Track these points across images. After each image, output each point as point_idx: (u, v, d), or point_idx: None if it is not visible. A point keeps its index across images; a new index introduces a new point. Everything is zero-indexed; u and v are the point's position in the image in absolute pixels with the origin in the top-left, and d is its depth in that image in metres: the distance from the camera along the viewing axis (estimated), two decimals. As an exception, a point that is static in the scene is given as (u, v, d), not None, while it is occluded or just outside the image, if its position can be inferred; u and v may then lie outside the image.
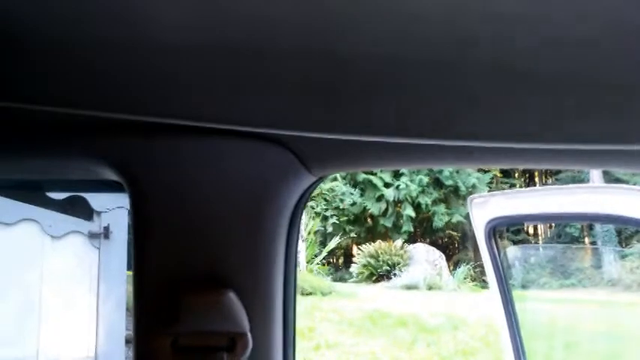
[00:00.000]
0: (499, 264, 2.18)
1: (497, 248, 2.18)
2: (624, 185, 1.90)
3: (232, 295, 0.83)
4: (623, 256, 10.70)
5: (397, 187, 15.95)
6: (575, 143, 0.79)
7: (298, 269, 10.67)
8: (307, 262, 11.71)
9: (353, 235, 16.23)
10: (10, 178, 1.31)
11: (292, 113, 0.81)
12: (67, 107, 0.81)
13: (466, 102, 0.75)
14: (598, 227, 12.42)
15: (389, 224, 16.06)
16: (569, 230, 14.36)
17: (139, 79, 0.78)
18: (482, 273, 12.94)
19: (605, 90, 0.70)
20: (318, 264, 12.40)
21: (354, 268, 13.96)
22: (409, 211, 15.94)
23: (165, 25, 0.66)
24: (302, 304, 9.41)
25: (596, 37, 0.62)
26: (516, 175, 18.07)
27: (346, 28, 0.63)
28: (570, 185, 2.35)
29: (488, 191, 16.28)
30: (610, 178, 11.04)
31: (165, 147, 0.87)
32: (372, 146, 0.84)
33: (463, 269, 13.20)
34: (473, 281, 12.88)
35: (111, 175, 0.92)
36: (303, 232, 11.35)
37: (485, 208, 2.12)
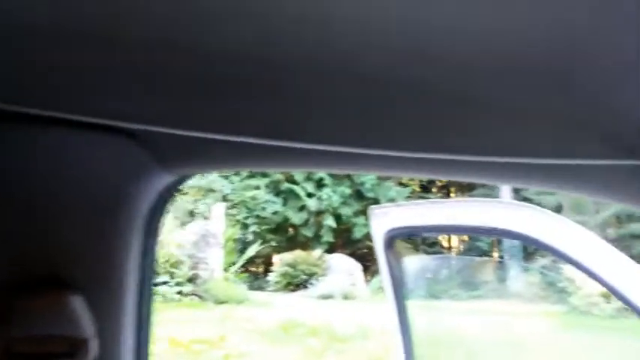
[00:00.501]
0: (396, 275, 2.23)
1: (395, 258, 2.23)
2: (518, 202, 1.99)
3: (75, 298, 0.78)
4: (526, 270, 11.25)
5: (319, 198, 16.03)
6: (423, 153, 0.80)
7: (213, 276, 10.50)
8: (224, 270, 11.53)
9: (274, 244, 16.13)
10: None
11: (148, 107, 0.76)
12: None
13: (327, 107, 0.74)
14: (506, 242, 12.98)
15: (310, 234, 16.10)
16: (480, 244, 14.94)
17: None
18: None
19: (451, 102, 0.71)
20: (235, 272, 12.23)
21: (271, 277, 13.87)
22: (330, 222, 16.05)
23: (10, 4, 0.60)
24: (215, 312, 9.23)
25: (443, 50, 0.62)
26: (434, 190, 18.61)
27: (213, 23, 0.61)
28: (466, 199, 2.43)
29: (406, 204, 16.64)
30: (519, 197, 11.58)
31: (3, 136, 0.80)
32: (235, 146, 0.81)
33: (378, 279, 13.35)
34: (387, 292, 13.04)
35: None
36: (220, 239, 11.18)
37: (384, 219, 2.16)
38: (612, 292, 1.54)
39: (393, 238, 2.18)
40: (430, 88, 0.69)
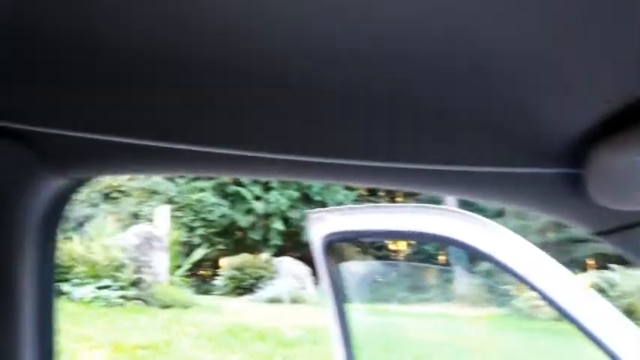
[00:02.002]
0: (335, 279, 2.22)
1: (334, 263, 2.22)
2: (450, 207, 2.01)
3: None
4: (471, 274, 11.48)
5: (267, 201, 15.97)
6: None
7: (158, 280, 10.28)
8: (169, 274, 11.30)
9: (221, 247, 15.96)
10: None
11: (35, 106, 0.71)
12: None
13: (228, 109, 0.71)
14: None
15: (258, 237, 16.02)
16: (426, 248, 15.19)
17: None
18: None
19: (373, 106, 0.69)
20: (180, 276, 12.01)
21: (219, 281, 13.72)
22: (278, 225, 16.01)
23: None
24: (160, 317, 9.03)
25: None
26: (381, 194, 18.84)
27: (108, 17, 0.57)
28: (402, 204, 2.45)
29: (355, 208, 16.80)
30: (463, 202, 11.84)
31: None
32: (129, 149, 0.76)
33: (327, 283, 13.40)
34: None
35: None
36: (165, 242, 10.95)
37: (322, 223, 2.15)
38: (544, 299, 1.56)
39: (332, 243, 2.18)
40: (354, 92, 0.67)
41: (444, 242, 2.01)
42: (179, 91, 0.68)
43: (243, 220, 15.98)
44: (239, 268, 13.35)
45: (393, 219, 2.12)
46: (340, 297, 2.31)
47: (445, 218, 1.93)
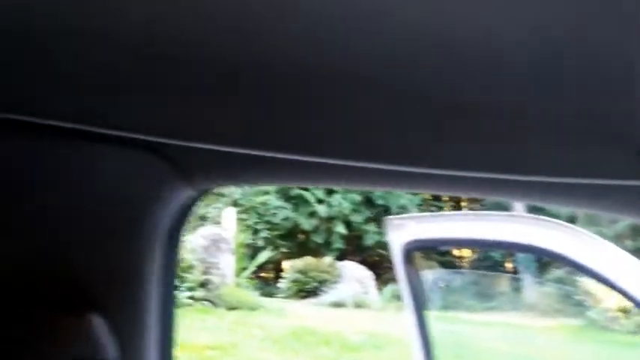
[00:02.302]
0: (415, 287, 2.19)
1: (414, 270, 2.19)
2: (538, 216, 1.95)
3: (95, 319, 0.75)
4: (541, 283, 11.11)
5: (330, 204, 16.00)
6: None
7: (225, 282, 10.48)
8: (236, 276, 11.50)
9: (284, 250, 16.11)
10: None
11: (170, 120, 0.73)
12: None
13: (349, 122, 0.71)
14: (520, 253, 12.88)
15: (320, 240, 16.06)
16: (493, 254, 14.81)
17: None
18: None
19: (467, 115, 0.67)
20: (246, 278, 12.20)
21: (282, 284, 13.83)
22: (340, 229, 16.01)
23: (21, 7, 0.56)
24: (227, 319, 9.20)
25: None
26: (445, 199, 18.53)
27: (233, 37, 0.58)
28: (487, 212, 2.39)
29: (419, 212, 16.61)
30: (531, 207, 11.46)
31: (23, 146, 0.77)
32: (256, 160, 0.78)
33: (391, 288, 13.31)
34: (400, 300, 12.96)
35: None
36: (231, 244, 11.16)
37: (402, 231, 2.13)
38: (634, 303, 1.49)
39: (412, 251, 2.15)
40: (447, 101, 0.65)
41: (533, 252, 1.96)
42: (304, 104, 0.69)
43: (306, 223, 16.07)
44: (302, 272, 13.43)
45: (474, 227, 2.08)
46: (420, 305, 2.28)
47: (530, 226, 1.87)
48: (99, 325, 0.75)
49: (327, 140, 0.75)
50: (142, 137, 0.76)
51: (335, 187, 10.62)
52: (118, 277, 0.80)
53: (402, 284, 2.26)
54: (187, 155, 0.80)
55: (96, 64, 0.65)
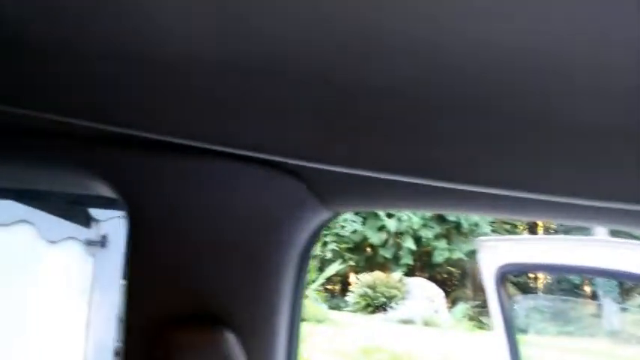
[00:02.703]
0: (507, 311, 2.12)
1: (507, 294, 2.12)
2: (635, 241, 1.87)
3: (230, 336, 0.76)
4: (624, 309, 10.54)
5: (399, 219, 15.85)
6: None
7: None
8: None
9: (352, 263, 16.08)
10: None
11: (308, 143, 0.75)
12: (68, 116, 0.74)
13: (490, 148, 0.69)
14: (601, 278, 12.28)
15: (388, 255, 15.92)
16: (570, 277, 14.19)
17: (144, 93, 0.72)
18: (481, 313, 12.76)
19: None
20: (315, 290, 12.23)
21: (350, 297, 13.79)
22: (410, 244, 15.81)
23: (176, 36, 0.60)
24: (295, 330, 9.23)
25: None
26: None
27: (372, 60, 0.58)
28: (589, 237, 2.29)
29: (491, 231, 16.19)
30: (613, 230, 10.91)
31: (167, 167, 0.81)
32: (393, 185, 0.77)
33: (462, 307, 13.02)
34: (471, 320, 12.69)
35: (106, 192, 0.86)
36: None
37: (495, 253, 2.07)
38: None
39: (505, 274, 2.08)
40: (554, 125, 0.64)
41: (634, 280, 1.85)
42: (439, 130, 0.67)
43: (375, 237, 15.97)
44: (371, 286, 13.34)
45: (569, 252, 1.99)
46: (512, 330, 2.21)
47: (629, 252, 1.79)
48: (232, 342, 0.76)
49: (467, 166, 0.72)
50: (279, 159, 0.76)
51: (475, 214, 10.48)
52: (252, 295, 0.81)
53: (493, 308, 2.19)
54: (324, 177, 0.80)
55: (237, 87, 0.67)
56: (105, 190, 0.85)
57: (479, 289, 14.81)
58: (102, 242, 5.29)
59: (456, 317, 12.50)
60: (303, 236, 0.83)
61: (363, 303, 13.26)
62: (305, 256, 0.85)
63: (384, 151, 0.73)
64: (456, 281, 17.26)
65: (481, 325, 11.63)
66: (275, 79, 0.64)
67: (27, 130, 0.82)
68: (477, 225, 16.03)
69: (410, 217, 15.78)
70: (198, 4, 0.55)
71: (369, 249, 16.54)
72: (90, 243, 5.27)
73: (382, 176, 0.76)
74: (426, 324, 11.68)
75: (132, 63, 0.66)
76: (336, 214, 0.87)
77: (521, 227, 17.24)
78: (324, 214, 0.85)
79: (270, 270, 0.80)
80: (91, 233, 5.30)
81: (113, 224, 5.31)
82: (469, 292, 15.53)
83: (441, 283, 15.35)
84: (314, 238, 0.86)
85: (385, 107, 0.65)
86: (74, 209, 5.19)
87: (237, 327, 0.77)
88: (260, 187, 0.80)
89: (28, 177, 0.95)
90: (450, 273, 17.05)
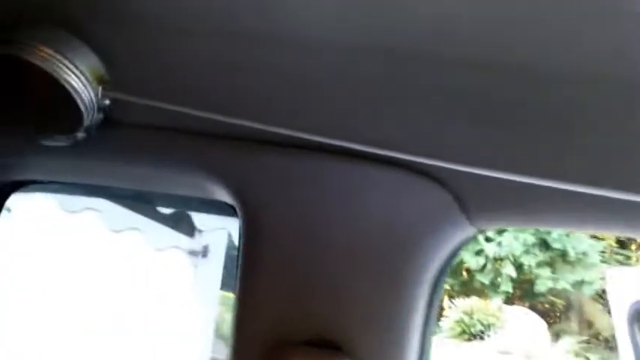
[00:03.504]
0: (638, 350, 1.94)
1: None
2: None
3: None
4: None
5: (499, 244, 15.24)
6: None
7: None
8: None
9: (446, 287, 15.65)
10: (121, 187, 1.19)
11: (456, 143, 0.66)
12: (183, 105, 0.69)
13: None
14: None
15: (486, 281, 15.33)
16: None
17: (271, 82, 0.66)
18: (588, 349, 11.97)
19: None
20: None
21: (445, 322, 13.41)
22: (509, 270, 15.13)
23: (311, 15, 0.54)
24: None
25: None
26: (632, 247, 16.73)
27: (540, 42, 0.50)
28: None
29: (601, 261, 15.19)
30: None
31: (287, 169, 0.74)
32: (558, 197, 0.65)
33: (568, 341, 12.31)
34: (577, 356, 11.94)
35: (223, 196, 0.80)
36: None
37: (628, 287, 1.88)
38: None
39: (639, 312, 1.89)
40: None
41: None
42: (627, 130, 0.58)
43: (472, 262, 15.46)
44: (468, 313, 12.94)
45: None
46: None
47: None
48: None
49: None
50: (424, 161, 0.68)
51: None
52: (380, 319, 0.72)
53: (623, 347, 1.99)
54: (472, 187, 0.70)
55: (371, 77, 0.62)
56: (220, 194, 0.80)
57: (585, 323, 13.90)
58: (203, 252, 5.44)
59: (560, 352, 11.82)
60: (442, 255, 0.74)
61: (459, 329, 12.86)
62: (440, 277, 0.75)
63: (545, 155, 0.63)
64: (559, 313, 16.34)
65: (588, 363, 10.89)
66: (418, 64, 0.57)
67: (142, 126, 0.78)
68: (585, 254, 15.09)
69: (511, 243, 15.14)
70: None
71: (465, 273, 16.03)
72: (192, 253, 5.44)
73: (551, 185, 0.64)
74: (527, 357, 11.12)
75: (253, 46, 0.61)
76: (479, 232, 0.77)
77: (635, 258, 16.05)
78: (467, 231, 0.74)
79: (403, 291, 0.71)
80: (194, 243, 5.47)
81: (214, 235, 5.45)
82: (574, 325, 14.67)
83: (543, 314, 14.59)
84: (452, 257, 0.76)
85: (559, 101, 0.56)
86: (179, 219, 5.38)
87: (360, 356, 0.69)
88: (398, 194, 0.72)
89: (142, 177, 0.91)
90: (552, 304, 16.17)
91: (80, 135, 0.74)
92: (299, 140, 0.70)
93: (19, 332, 3.98)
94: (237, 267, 0.82)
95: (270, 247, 0.74)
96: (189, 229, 5.52)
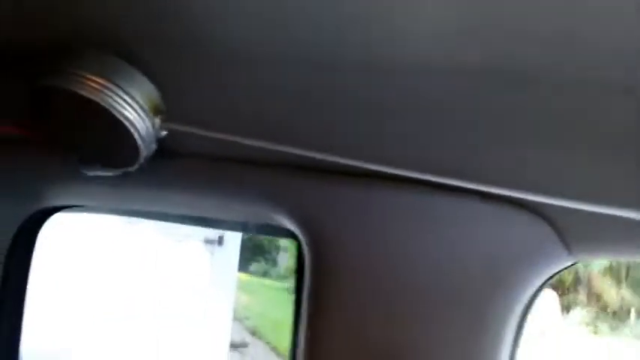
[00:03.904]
0: None
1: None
2: None
3: None
4: None
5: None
6: None
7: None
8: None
9: None
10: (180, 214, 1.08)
11: (554, 174, 0.62)
12: (247, 137, 0.65)
13: None
14: None
15: None
16: None
17: (335, 112, 0.61)
18: (597, 319, 11.68)
19: None
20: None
21: None
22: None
23: (382, 43, 0.50)
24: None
25: None
26: None
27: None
28: None
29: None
30: None
31: (363, 201, 0.69)
32: None
33: (579, 313, 12.12)
34: (587, 326, 11.73)
35: (286, 223, 0.76)
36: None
37: None
38: None
39: None
40: None
41: None
42: None
43: None
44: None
45: None
46: None
47: None
48: None
49: None
50: (519, 195, 0.64)
51: None
52: (463, 354, 0.68)
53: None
54: (573, 220, 0.66)
55: (463, 100, 0.57)
56: (282, 222, 0.76)
57: (594, 297, 13.73)
58: (219, 241, 5.57)
59: (573, 323, 11.71)
60: (536, 285, 0.69)
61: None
62: (528, 309, 0.70)
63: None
64: (568, 286, 16.16)
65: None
66: (518, 86, 0.52)
67: (199, 155, 0.75)
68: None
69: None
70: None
71: None
72: (208, 241, 5.56)
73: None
74: (542, 333, 11.03)
75: (337, 75, 0.56)
76: (576, 262, 0.71)
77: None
78: (565, 262, 0.69)
79: (492, 325, 0.67)
80: (209, 232, 5.59)
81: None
82: (583, 298, 14.50)
83: (553, 288, 14.35)
84: (542, 287, 0.71)
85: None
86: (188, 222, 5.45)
87: None
88: (493, 227, 0.67)
89: (193, 204, 0.85)
90: (561, 279, 16.00)
91: (132, 168, 0.68)
92: (364, 170, 0.65)
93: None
94: (296, 291, 0.78)
95: (343, 281, 0.69)
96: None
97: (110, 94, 0.58)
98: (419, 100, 0.58)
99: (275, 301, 5.93)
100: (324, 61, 0.55)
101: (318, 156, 0.63)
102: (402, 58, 0.52)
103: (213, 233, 5.54)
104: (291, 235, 0.76)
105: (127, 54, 0.58)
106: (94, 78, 0.58)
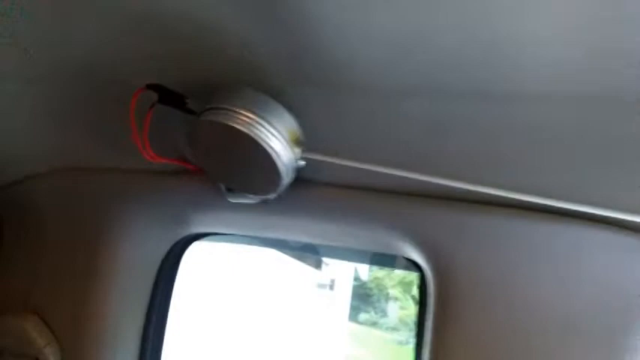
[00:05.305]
0: None
1: None
2: None
3: None
4: None
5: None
6: None
7: None
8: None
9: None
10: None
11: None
12: (379, 166, 0.66)
13: None
14: None
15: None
16: None
17: (464, 140, 0.62)
18: None
19: None
20: None
21: None
22: None
23: (504, 72, 0.51)
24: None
25: None
26: None
27: None
28: None
29: None
30: None
31: (490, 229, 0.69)
32: None
33: None
34: None
35: (412, 253, 0.76)
36: None
37: None
38: None
39: None
40: None
41: None
42: None
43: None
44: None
45: None
46: None
47: None
48: None
49: None
50: (615, 216, 0.62)
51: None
52: None
53: None
54: None
55: (589, 128, 0.57)
56: (407, 252, 0.77)
57: None
58: (330, 285, 5.57)
59: None
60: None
61: None
62: None
63: None
64: None
65: None
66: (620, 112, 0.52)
67: (333, 184, 0.79)
68: None
69: None
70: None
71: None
72: (320, 286, 5.58)
73: None
74: None
75: (467, 105, 0.58)
76: None
77: None
78: None
79: (617, 357, 0.66)
80: (321, 276, 5.61)
81: (340, 269, 5.55)
82: None
83: None
84: None
85: None
86: (307, 251, 5.49)
87: None
88: (620, 256, 0.67)
89: (325, 233, 0.88)
90: None
91: (272, 195, 0.74)
92: (491, 199, 0.67)
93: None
94: (417, 324, 0.80)
95: (467, 311, 0.69)
96: (316, 262, 5.67)
97: (259, 127, 0.64)
98: (539, 127, 0.58)
99: (385, 352, 5.78)
100: (453, 91, 0.57)
101: (449, 184, 0.63)
102: (526, 85, 0.53)
103: (324, 278, 5.57)
104: (413, 266, 0.77)
105: (272, 90, 0.64)
106: (247, 114, 0.64)
